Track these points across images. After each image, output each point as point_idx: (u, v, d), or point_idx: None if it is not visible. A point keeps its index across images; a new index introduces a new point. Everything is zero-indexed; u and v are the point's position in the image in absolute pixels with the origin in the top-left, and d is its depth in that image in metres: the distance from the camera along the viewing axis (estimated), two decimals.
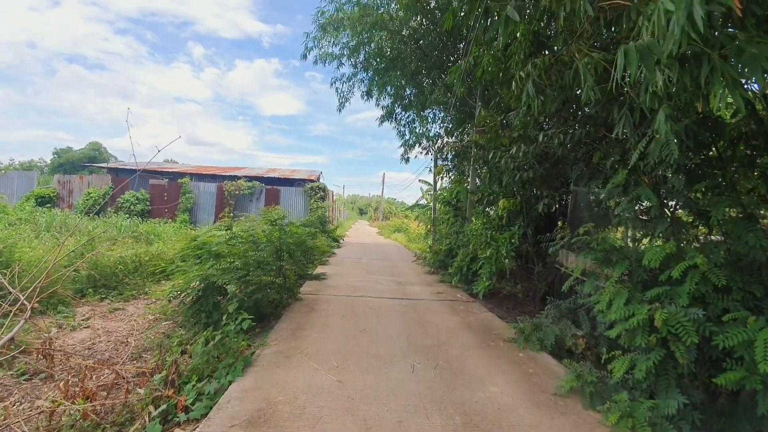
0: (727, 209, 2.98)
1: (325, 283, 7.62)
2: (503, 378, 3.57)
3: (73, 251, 6.01)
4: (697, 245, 3.26)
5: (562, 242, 4.49)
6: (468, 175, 9.52)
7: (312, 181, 21.66)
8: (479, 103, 8.43)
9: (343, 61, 12.03)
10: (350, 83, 12.74)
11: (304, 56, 11.71)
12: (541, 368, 3.83)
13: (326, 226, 16.48)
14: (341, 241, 17.51)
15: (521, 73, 4.07)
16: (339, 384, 3.24)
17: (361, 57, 11.94)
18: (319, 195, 20.60)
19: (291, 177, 22.36)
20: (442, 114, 12.02)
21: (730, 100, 2.58)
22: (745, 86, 3.04)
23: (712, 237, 3.33)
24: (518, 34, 4.50)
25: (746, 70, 2.22)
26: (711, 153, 3.55)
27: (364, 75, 12.55)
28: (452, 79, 6.60)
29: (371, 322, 5.14)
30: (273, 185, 21.58)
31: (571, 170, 5.06)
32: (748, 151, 3.43)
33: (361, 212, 70.50)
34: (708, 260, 2.83)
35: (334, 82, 12.80)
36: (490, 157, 6.16)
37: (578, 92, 4.11)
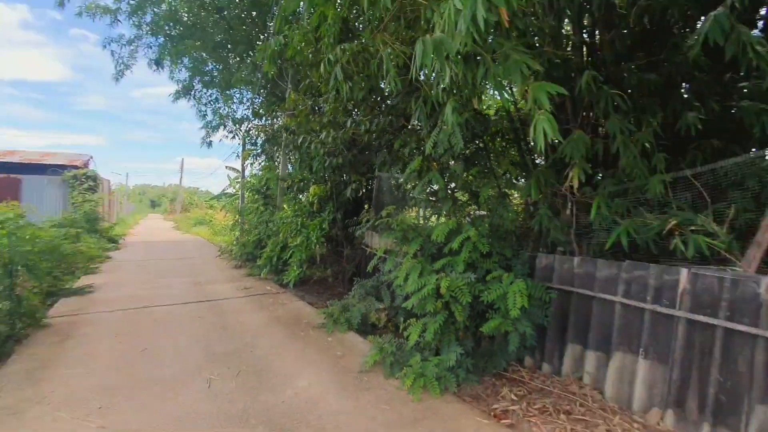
0: (490, 190, 3.63)
1: (92, 298, 5.83)
2: (313, 369, 3.41)
3: None
4: (470, 220, 3.89)
5: (367, 225, 4.68)
6: (278, 161, 9.10)
7: (76, 167, 16.66)
8: (290, 86, 8.13)
9: (119, 18, 9.59)
10: (132, 47, 10.33)
11: (61, 3, 8.75)
12: (348, 349, 3.87)
13: (97, 225, 12.96)
14: (121, 241, 14.17)
15: (330, 56, 4.00)
16: None
17: (148, 17, 9.80)
18: (86, 185, 15.99)
19: (41, 162, 16.64)
20: (251, 95, 11.15)
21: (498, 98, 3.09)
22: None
23: (480, 212, 4.04)
24: (329, 18, 4.44)
25: (509, 73, 2.64)
26: (480, 144, 4.32)
27: (153, 40, 10.40)
28: (260, 57, 6.06)
29: (157, 337, 4.16)
30: (9, 173, 15.58)
31: (376, 156, 5.37)
32: (503, 144, 4.35)
33: (153, 204, 59.73)
34: (477, 232, 3.37)
35: (109, 44, 10.13)
36: (299, 142, 5.96)
37: (382, 84, 4.33)
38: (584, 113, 3.78)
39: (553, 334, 3.36)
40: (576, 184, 3.20)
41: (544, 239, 3.71)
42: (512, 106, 3.96)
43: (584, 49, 3.88)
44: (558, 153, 3.24)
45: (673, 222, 2.91)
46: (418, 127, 4.29)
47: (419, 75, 2.99)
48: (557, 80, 3.38)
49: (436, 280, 3.23)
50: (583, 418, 2.74)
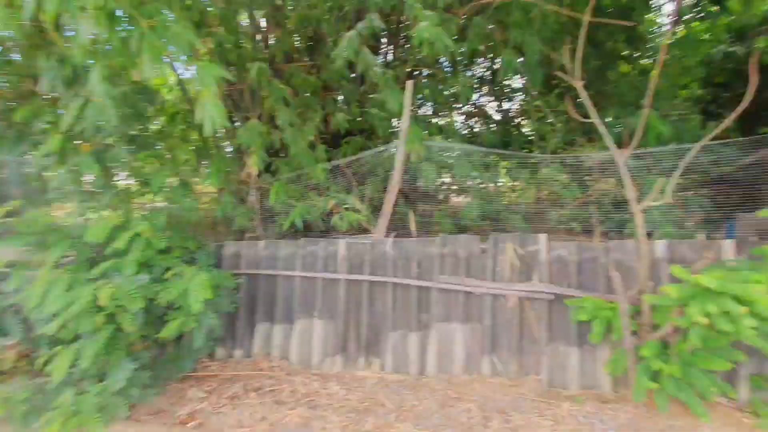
0: (167, 178, 3.22)
1: None
2: None
3: None
4: (145, 213, 3.33)
5: None
6: None
7: None
8: None
9: None
10: None
11: None
12: None
13: None
14: None
15: None
16: None
17: None
18: None
19: None
20: None
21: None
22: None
23: (157, 204, 3.54)
24: None
25: (170, 45, 2.37)
26: (156, 126, 3.74)
27: None
28: None
29: None
30: None
31: None
32: (184, 128, 3.95)
33: None
34: (151, 226, 2.92)
35: None
36: None
37: None
38: (263, 104, 3.97)
39: (244, 318, 3.41)
40: (254, 171, 3.32)
41: (233, 227, 3.68)
42: (189, 86, 3.66)
43: (259, 42, 4.05)
44: (237, 140, 3.26)
45: (333, 203, 3.54)
46: (56, 95, 3.25)
47: (44, 24, 2.28)
48: (233, 66, 3.38)
49: (94, 290, 2.58)
50: (272, 389, 2.93)
